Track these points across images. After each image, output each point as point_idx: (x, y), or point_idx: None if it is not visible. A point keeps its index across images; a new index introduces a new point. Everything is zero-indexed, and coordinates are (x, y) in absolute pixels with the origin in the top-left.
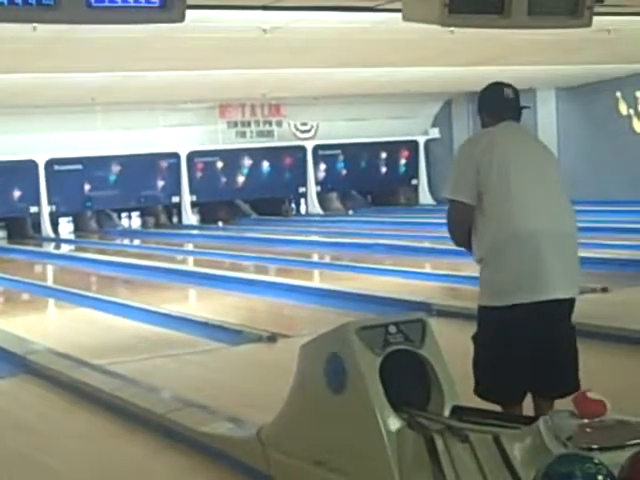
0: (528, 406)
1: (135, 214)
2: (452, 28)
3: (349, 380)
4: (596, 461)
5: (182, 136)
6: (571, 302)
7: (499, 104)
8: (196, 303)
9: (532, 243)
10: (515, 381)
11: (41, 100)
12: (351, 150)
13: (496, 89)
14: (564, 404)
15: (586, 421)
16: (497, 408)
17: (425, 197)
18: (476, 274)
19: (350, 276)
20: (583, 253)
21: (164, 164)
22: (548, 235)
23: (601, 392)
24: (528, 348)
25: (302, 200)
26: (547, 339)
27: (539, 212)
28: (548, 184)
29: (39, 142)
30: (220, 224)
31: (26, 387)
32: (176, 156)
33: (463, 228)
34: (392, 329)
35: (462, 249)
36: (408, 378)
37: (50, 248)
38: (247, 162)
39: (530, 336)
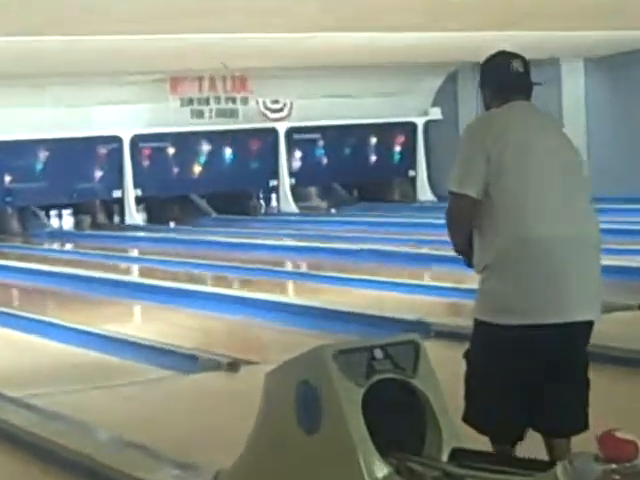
0: (538, 445)
1: (67, 212)
2: None
3: (325, 417)
4: None
5: (125, 116)
6: (590, 325)
7: (505, 80)
8: (140, 322)
9: (549, 253)
10: (511, 412)
11: None
12: (333, 134)
13: (501, 61)
14: (583, 444)
15: (614, 466)
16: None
17: (424, 192)
18: None
19: (331, 289)
20: (613, 261)
21: (103, 150)
22: (568, 244)
23: (632, 432)
24: (531, 375)
25: (273, 195)
26: (555, 367)
27: (559, 215)
28: (569, 182)
29: None
30: (172, 225)
31: None
32: (117, 140)
33: (467, 228)
34: (378, 354)
35: (461, 257)
36: (398, 414)
37: None
38: (205, 148)
39: (535, 361)
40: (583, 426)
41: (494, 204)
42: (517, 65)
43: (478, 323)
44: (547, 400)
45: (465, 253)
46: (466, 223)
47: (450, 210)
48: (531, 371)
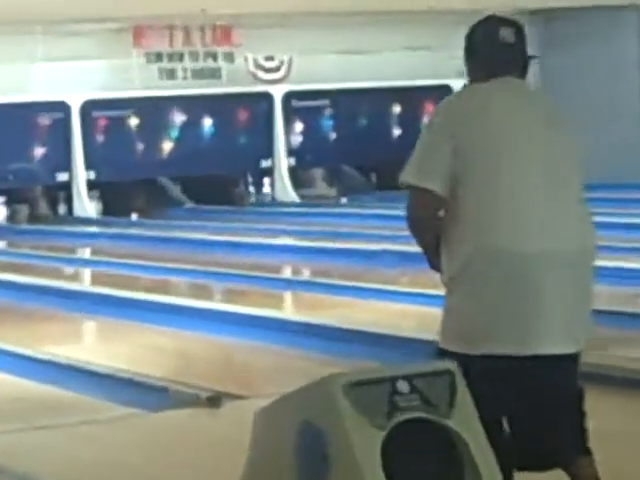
0: None
1: None
2: None
3: (333, 469)
4: None
5: (73, 76)
6: (574, 357)
7: (489, 52)
8: (95, 344)
9: (525, 268)
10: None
11: None
12: (345, 101)
13: (487, 29)
14: None
15: None
16: None
17: None
18: None
19: (341, 302)
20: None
21: (44, 121)
22: (551, 259)
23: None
24: (502, 413)
25: (266, 180)
26: (532, 405)
27: (538, 224)
28: (560, 181)
29: None
30: (135, 217)
31: None
32: (63, 108)
33: (429, 228)
34: (403, 386)
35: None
36: (428, 464)
37: None
38: (178, 119)
39: (508, 399)
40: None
41: (462, 205)
42: (506, 34)
43: (440, 352)
44: (528, 440)
45: (432, 260)
46: (428, 223)
47: (410, 209)
48: (504, 409)
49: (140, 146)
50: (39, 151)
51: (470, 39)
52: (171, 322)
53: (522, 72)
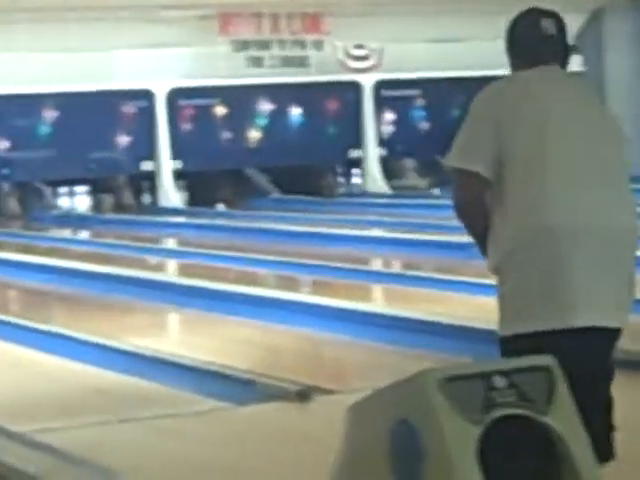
0: None
1: (82, 189)
2: None
3: (428, 465)
4: None
5: (159, 64)
6: (614, 333)
7: (531, 42)
8: (181, 335)
9: (568, 244)
10: None
11: None
12: (437, 90)
13: (528, 20)
14: None
15: None
16: None
17: None
18: None
19: (432, 295)
20: None
21: (129, 109)
22: (590, 235)
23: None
24: None
25: (355, 171)
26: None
27: (582, 202)
28: (602, 164)
29: None
30: (221, 208)
31: None
32: (148, 96)
33: (476, 213)
34: (499, 382)
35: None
36: (525, 461)
37: None
38: (265, 108)
39: None
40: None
41: (506, 189)
42: (547, 25)
43: (501, 341)
44: None
45: (482, 245)
46: (477, 210)
47: (455, 193)
48: None
49: (226, 135)
50: (123, 140)
51: (512, 31)
52: (257, 314)
53: (563, 63)
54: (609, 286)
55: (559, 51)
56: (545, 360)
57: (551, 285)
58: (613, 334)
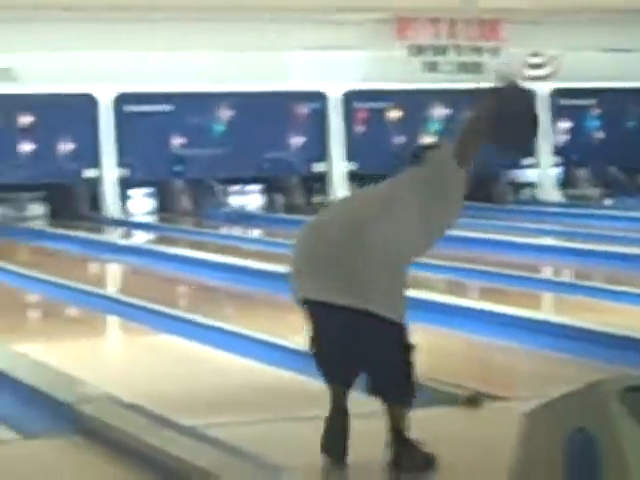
0: None
1: (254, 188)
2: None
3: (606, 472)
4: None
5: (333, 66)
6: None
7: None
8: None
9: None
10: None
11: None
12: (613, 100)
13: None
14: None
15: None
16: None
17: None
18: None
19: (602, 305)
20: None
21: (302, 110)
22: None
23: None
24: None
25: (528, 177)
26: None
27: None
28: None
29: (100, 66)
30: None
31: (76, 454)
32: (322, 98)
33: None
34: None
35: None
36: None
37: (115, 236)
38: (438, 112)
39: None
40: None
41: None
42: None
43: None
44: None
45: None
46: None
47: None
48: None
49: (399, 139)
50: (296, 141)
51: None
52: (427, 319)
53: None
54: None
55: None
56: None
57: None
58: None
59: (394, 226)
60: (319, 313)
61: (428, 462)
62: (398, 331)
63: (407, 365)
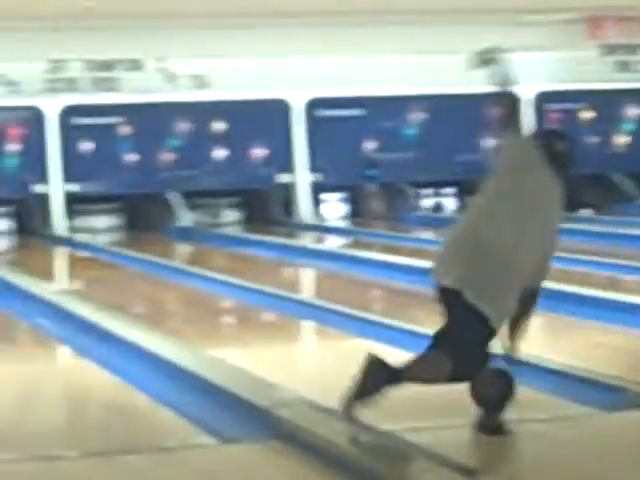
0: None
1: (448, 191)
2: None
3: None
4: None
5: (525, 68)
6: None
7: None
8: (546, 340)
9: None
10: None
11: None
12: None
13: None
14: None
15: None
16: None
17: None
18: None
19: None
20: None
21: (493, 112)
22: None
23: None
24: None
25: None
26: None
27: None
28: None
29: (292, 71)
30: (586, 212)
31: (274, 458)
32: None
33: None
34: None
35: None
36: None
37: (308, 241)
38: (632, 112)
39: None
40: None
41: None
42: None
43: None
44: None
45: None
46: None
47: None
48: None
49: (592, 139)
50: (486, 142)
51: None
52: (623, 320)
53: None
54: None
55: None
56: None
57: None
58: None
59: None
60: None
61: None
62: None
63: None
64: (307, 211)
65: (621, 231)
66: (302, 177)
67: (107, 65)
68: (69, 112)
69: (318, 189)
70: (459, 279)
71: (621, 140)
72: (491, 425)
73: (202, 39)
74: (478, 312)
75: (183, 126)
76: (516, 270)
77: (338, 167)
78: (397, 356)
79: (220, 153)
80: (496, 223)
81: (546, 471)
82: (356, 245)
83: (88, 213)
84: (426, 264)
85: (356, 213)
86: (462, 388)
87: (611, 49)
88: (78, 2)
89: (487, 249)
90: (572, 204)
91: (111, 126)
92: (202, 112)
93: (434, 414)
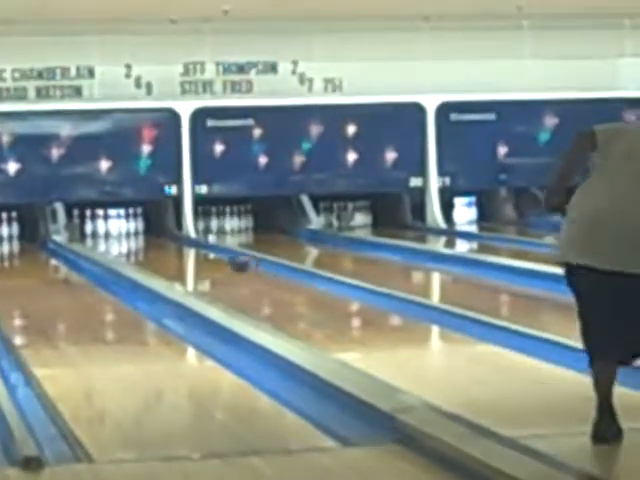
0: None
1: None
2: None
3: None
4: None
5: None
6: None
7: None
8: None
9: None
10: None
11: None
12: None
13: None
14: None
15: None
16: None
17: None
18: None
19: None
20: None
21: (629, 117)
22: None
23: None
24: None
25: None
26: None
27: None
28: None
29: (424, 75)
30: None
31: (395, 463)
32: None
33: None
34: None
35: None
36: None
37: (438, 245)
38: None
39: None
40: None
41: None
42: None
43: None
44: None
45: None
46: None
47: None
48: None
49: None
50: None
51: None
52: None
53: None
54: None
55: None
56: None
57: None
58: None
59: None
60: None
61: None
62: None
63: None
64: (437, 215)
65: None
66: (434, 181)
67: (241, 68)
68: (201, 114)
69: (449, 193)
70: None
71: None
72: (612, 432)
73: (335, 43)
74: None
75: (315, 129)
76: None
77: (469, 171)
78: (524, 363)
79: (352, 156)
80: None
81: None
82: (485, 250)
83: (217, 215)
84: (555, 270)
85: (486, 217)
86: (588, 395)
87: None
88: (217, 5)
89: None
90: None
91: (243, 128)
92: (334, 115)
93: (558, 420)
